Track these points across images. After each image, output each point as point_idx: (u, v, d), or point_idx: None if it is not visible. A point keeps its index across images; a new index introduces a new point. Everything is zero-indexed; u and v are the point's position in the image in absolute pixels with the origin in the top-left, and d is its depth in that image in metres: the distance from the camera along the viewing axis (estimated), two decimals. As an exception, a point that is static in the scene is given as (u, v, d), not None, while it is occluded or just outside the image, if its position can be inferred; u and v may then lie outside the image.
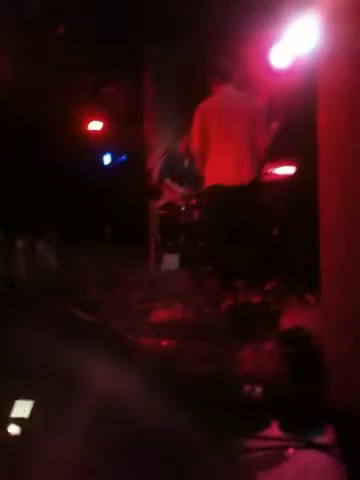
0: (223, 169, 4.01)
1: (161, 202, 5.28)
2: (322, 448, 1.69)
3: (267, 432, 1.82)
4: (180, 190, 5.30)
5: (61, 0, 5.60)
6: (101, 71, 6.91)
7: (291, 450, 1.69)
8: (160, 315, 3.27)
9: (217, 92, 4.22)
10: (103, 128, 7.58)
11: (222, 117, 4.06)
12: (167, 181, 5.40)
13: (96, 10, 5.74)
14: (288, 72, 5.43)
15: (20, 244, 5.25)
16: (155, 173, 5.73)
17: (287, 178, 4.65)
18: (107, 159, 8.00)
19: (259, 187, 4.16)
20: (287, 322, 3.00)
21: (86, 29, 6.02)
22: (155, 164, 5.97)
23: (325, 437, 1.79)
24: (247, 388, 1.90)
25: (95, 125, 7.57)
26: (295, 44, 5.21)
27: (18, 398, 1.86)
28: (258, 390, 1.87)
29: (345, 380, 2.00)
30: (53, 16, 5.78)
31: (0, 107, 6.47)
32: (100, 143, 7.74)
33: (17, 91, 6.37)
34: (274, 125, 5.16)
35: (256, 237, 3.95)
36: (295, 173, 4.68)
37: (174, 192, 5.28)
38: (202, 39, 5.61)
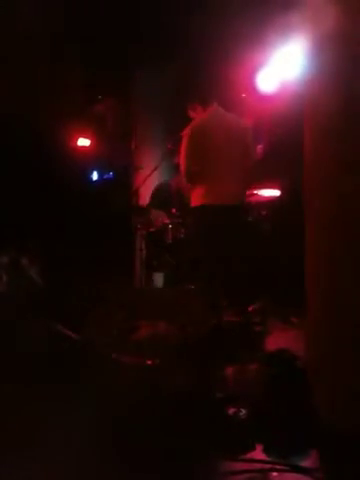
0: (210, 189, 4.04)
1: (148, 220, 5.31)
2: (306, 471, 1.69)
3: (251, 454, 1.82)
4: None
5: (52, 20, 5.65)
6: (90, 90, 6.96)
7: (275, 473, 1.69)
8: (144, 333, 3.26)
9: (206, 113, 4.27)
10: (91, 145, 7.60)
11: (210, 138, 4.10)
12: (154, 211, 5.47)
13: (86, 30, 5.81)
14: (274, 96, 5.52)
15: (4, 259, 5.19)
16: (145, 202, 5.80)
17: (272, 200, 4.70)
18: (94, 175, 8.01)
19: (245, 208, 4.20)
20: (271, 343, 3.02)
21: (76, 49, 6.08)
22: (142, 187, 6.00)
23: (309, 460, 1.79)
24: (232, 410, 1.90)
25: (83, 142, 7.60)
26: (281, 68, 5.31)
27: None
28: (243, 412, 1.87)
29: (330, 400, 2.01)
30: (44, 35, 5.82)
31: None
32: (88, 159, 7.75)
33: (5, 107, 6.38)
34: (260, 147, 5.24)
35: (241, 257, 3.97)
36: (280, 195, 4.73)
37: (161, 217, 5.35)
38: (190, 60, 5.69)
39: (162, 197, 5.61)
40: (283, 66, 5.29)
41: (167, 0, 5.28)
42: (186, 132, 4.19)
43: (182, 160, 4.17)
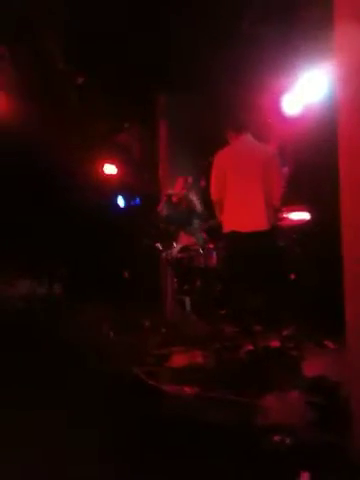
0: (240, 216, 4.08)
1: (177, 246, 5.35)
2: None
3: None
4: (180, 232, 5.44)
5: (80, 50, 5.80)
6: (117, 118, 7.10)
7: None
8: (180, 360, 3.28)
9: (233, 141, 4.34)
10: (118, 172, 7.73)
11: (239, 165, 4.16)
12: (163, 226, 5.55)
13: (113, 59, 5.94)
14: (299, 119, 5.57)
15: (39, 290, 5.31)
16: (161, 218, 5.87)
17: (302, 223, 4.71)
18: (121, 202, 8.12)
19: (275, 232, 4.22)
20: (308, 368, 3.01)
21: (103, 78, 6.22)
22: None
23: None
24: (276, 438, 1.91)
25: (110, 169, 7.73)
26: (306, 93, 5.37)
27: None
28: (287, 441, 1.88)
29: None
30: (72, 66, 5.98)
31: (19, 152, 6.65)
32: (114, 187, 7.87)
33: (36, 135, 6.55)
34: (286, 170, 5.27)
35: (273, 282, 3.98)
36: (311, 218, 4.74)
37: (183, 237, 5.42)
38: (216, 87, 5.77)
39: (170, 209, 5.68)
40: (308, 90, 5.35)
41: (194, 27, 5.36)
42: (213, 160, 4.26)
43: (211, 188, 4.25)
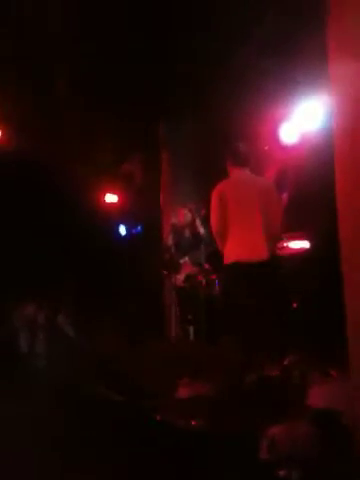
0: (241, 246, 4.15)
1: (179, 276, 5.40)
2: None
3: None
4: (186, 259, 5.48)
5: (82, 80, 5.91)
6: (119, 147, 7.19)
7: None
8: (186, 391, 3.29)
9: (233, 173, 4.42)
10: (120, 200, 7.82)
11: (238, 197, 4.24)
12: (173, 252, 5.61)
13: (112, 88, 6.04)
14: (296, 147, 5.67)
15: (41, 317, 5.32)
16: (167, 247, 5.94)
17: (303, 251, 4.76)
18: (122, 230, 8.19)
19: (276, 262, 4.27)
20: (312, 398, 3.02)
21: (104, 107, 6.32)
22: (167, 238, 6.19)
23: None
24: (283, 471, 1.92)
25: (111, 198, 7.82)
26: (303, 121, 5.48)
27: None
28: (294, 473, 1.89)
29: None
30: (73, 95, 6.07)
31: (23, 179, 6.73)
32: (115, 215, 7.95)
33: (39, 164, 6.63)
34: (285, 196, 5.35)
35: (276, 311, 4.02)
36: (310, 245, 4.79)
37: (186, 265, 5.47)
38: (216, 117, 5.88)
39: (176, 237, 5.75)
40: (304, 119, 5.47)
41: (195, 57, 5.47)
42: (212, 194, 4.34)
43: (212, 221, 4.32)
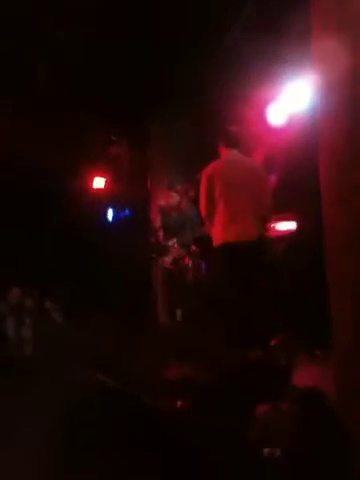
0: (230, 228, 4.15)
1: (168, 258, 5.41)
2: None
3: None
4: (173, 241, 5.50)
5: (69, 64, 5.84)
6: (105, 130, 7.14)
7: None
8: (172, 374, 3.30)
9: (223, 154, 4.41)
10: (107, 185, 7.76)
11: (228, 179, 4.23)
12: (161, 235, 5.62)
13: (102, 71, 5.98)
14: (284, 129, 5.65)
15: (28, 303, 5.31)
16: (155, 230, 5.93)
17: (291, 233, 4.77)
18: (110, 215, 8.15)
19: (265, 243, 4.28)
20: (298, 378, 3.05)
21: (92, 91, 6.26)
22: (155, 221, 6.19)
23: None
24: (266, 450, 1.94)
25: (99, 182, 7.76)
26: (291, 102, 5.46)
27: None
28: (277, 452, 1.91)
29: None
30: (61, 80, 6.01)
31: (7, 166, 6.66)
32: (104, 199, 7.90)
33: (23, 149, 6.57)
34: (273, 178, 5.34)
35: (263, 292, 4.03)
36: (298, 227, 4.80)
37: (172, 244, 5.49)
38: (204, 99, 5.84)
39: (164, 219, 5.75)
40: (292, 101, 5.44)
41: (181, 39, 5.43)
42: (202, 174, 4.33)
43: (201, 203, 4.32)
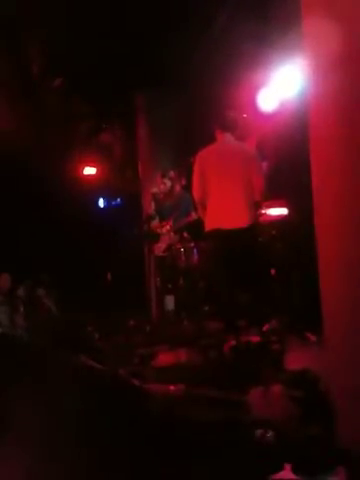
0: (222, 213, 4.13)
1: (161, 245, 5.40)
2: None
3: (280, 475, 1.86)
4: (166, 228, 5.49)
5: (58, 52, 5.79)
6: (96, 118, 7.09)
7: (304, 492, 1.73)
8: (165, 359, 3.31)
9: (218, 138, 4.39)
10: (97, 173, 7.73)
11: (220, 164, 4.21)
12: (154, 221, 5.61)
13: (91, 59, 5.93)
14: (275, 114, 5.62)
15: (21, 291, 5.29)
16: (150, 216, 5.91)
17: (282, 218, 4.76)
18: (101, 203, 8.13)
19: (257, 229, 4.27)
20: (290, 362, 3.06)
21: (82, 78, 6.21)
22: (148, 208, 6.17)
23: (336, 478, 1.83)
24: (258, 432, 1.94)
25: (89, 170, 7.73)
26: (282, 88, 5.42)
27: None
28: (269, 434, 1.91)
29: (354, 419, 2.05)
30: (50, 67, 5.96)
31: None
32: (95, 188, 7.87)
33: (14, 138, 6.51)
34: (265, 164, 5.32)
35: (255, 278, 4.03)
36: (289, 213, 4.80)
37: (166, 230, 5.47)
38: (194, 85, 5.81)
39: (158, 205, 5.74)
40: (283, 85, 5.40)
41: (171, 25, 5.39)
42: (194, 161, 4.30)
43: (193, 188, 4.30)
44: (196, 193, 4.29)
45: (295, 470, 1.87)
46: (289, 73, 5.23)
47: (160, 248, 5.34)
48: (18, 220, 6.94)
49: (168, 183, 5.64)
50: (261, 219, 4.61)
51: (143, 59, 5.99)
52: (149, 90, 6.79)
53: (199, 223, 4.44)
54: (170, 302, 5.09)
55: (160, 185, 5.77)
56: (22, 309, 5.34)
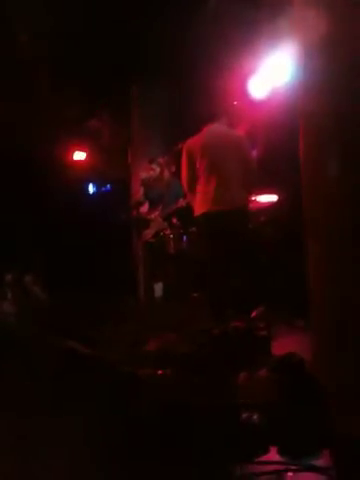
0: (211, 198, 4.14)
1: (150, 231, 5.39)
2: (320, 470, 1.76)
3: (266, 457, 1.88)
4: (155, 214, 5.49)
5: (48, 36, 5.74)
6: (86, 103, 7.04)
7: (290, 473, 1.75)
8: (154, 345, 3.31)
9: (206, 127, 4.39)
10: (87, 158, 7.69)
11: (210, 151, 4.22)
12: (146, 208, 5.60)
13: (84, 45, 5.89)
14: (266, 101, 5.62)
15: (8, 277, 5.27)
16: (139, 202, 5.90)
17: (270, 205, 4.78)
18: (91, 188, 8.10)
19: (247, 212, 4.29)
20: (278, 347, 3.08)
21: (72, 64, 6.17)
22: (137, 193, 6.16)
23: (322, 460, 1.86)
24: (244, 415, 1.96)
25: (79, 155, 7.69)
26: (272, 74, 5.41)
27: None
28: (255, 417, 1.94)
29: (341, 402, 2.09)
30: (40, 52, 5.91)
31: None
32: (84, 173, 7.84)
33: (4, 123, 6.46)
34: (255, 152, 5.32)
35: (244, 264, 4.05)
36: (278, 199, 4.81)
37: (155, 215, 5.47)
38: (185, 72, 5.78)
39: (148, 192, 5.74)
40: (273, 72, 5.39)
41: (161, 13, 5.35)
42: (183, 149, 4.31)
43: (182, 176, 4.31)
44: (185, 180, 4.30)
45: (281, 452, 1.90)
46: (280, 60, 5.21)
47: (149, 234, 5.35)
48: (5, 205, 6.89)
49: (157, 169, 5.63)
50: (251, 206, 4.62)
51: (134, 46, 5.96)
52: (140, 76, 6.76)
53: (188, 209, 4.44)
54: (159, 288, 5.11)
55: (149, 171, 5.76)
56: (10, 296, 5.32)
